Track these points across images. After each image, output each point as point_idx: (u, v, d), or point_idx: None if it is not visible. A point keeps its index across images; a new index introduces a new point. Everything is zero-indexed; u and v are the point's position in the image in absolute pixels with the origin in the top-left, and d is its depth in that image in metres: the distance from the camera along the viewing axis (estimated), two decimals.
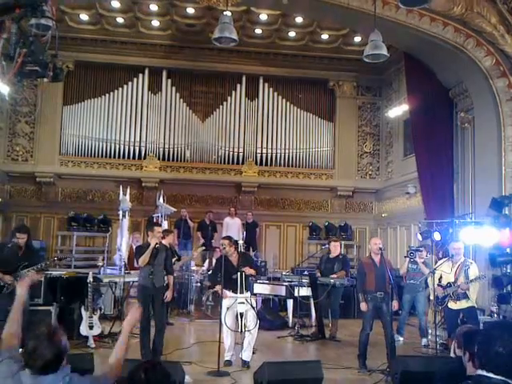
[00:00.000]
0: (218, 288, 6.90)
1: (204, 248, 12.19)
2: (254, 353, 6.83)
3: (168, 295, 6.89)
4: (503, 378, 1.93)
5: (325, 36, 14.20)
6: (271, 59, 14.86)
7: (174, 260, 8.98)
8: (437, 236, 8.65)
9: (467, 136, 10.57)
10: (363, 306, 6.69)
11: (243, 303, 6.71)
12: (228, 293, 6.77)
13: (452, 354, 3.93)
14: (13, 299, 6.04)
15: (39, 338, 2.50)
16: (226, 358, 6.72)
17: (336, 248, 8.84)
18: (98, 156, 14.38)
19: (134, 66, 14.61)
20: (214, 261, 10.74)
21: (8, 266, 6.39)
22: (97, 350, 7.10)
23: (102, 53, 14.34)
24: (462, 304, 6.59)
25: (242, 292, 6.75)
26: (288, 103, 15.23)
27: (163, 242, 8.27)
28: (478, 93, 10.20)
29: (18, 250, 6.50)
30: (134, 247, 10.00)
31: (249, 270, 6.86)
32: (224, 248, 6.91)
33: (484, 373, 1.97)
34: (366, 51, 9.34)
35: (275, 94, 15.19)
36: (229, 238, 7.23)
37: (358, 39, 13.97)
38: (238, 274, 6.79)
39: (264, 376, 5.51)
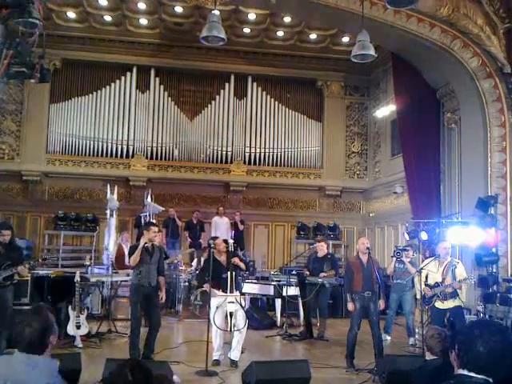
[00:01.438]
0: (206, 287, 6.89)
1: (193, 250, 12.18)
2: (242, 352, 6.84)
3: (162, 296, 6.90)
4: (484, 377, 1.94)
5: (313, 36, 14.25)
6: (260, 58, 14.87)
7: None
8: (424, 236, 8.73)
9: (454, 136, 10.67)
10: (350, 306, 6.73)
11: (233, 302, 6.72)
12: (217, 292, 6.78)
13: (427, 358, 3.97)
14: None
15: (27, 313, 2.66)
16: (215, 358, 6.72)
17: (322, 248, 8.85)
18: (86, 154, 14.29)
19: (121, 64, 14.54)
20: (202, 260, 10.75)
21: None
22: (84, 349, 7.06)
23: (89, 51, 14.25)
24: (449, 304, 6.65)
25: (231, 291, 6.77)
26: (276, 102, 15.25)
27: (156, 241, 8.26)
28: (464, 93, 10.30)
29: (2, 248, 6.41)
30: (125, 247, 9.99)
31: (238, 261, 6.91)
32: (217, 248, 6.92)
33: (465, 372, 1.98)
34: (353, 51, 9.37)
35: (263, 93, 15.21)
36: (225, 241, 7.32)
37: (346, 39, 14.04)
38: (228, 273, 6.82)
39: (252, 375, 5.52)
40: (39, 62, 3.72)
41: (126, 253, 9.39)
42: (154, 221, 11.44)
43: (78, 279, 7.69)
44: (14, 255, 6.46)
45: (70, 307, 7.56)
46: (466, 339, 2.01)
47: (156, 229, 7.06)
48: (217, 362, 6.69)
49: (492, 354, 1.93)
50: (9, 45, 3.51)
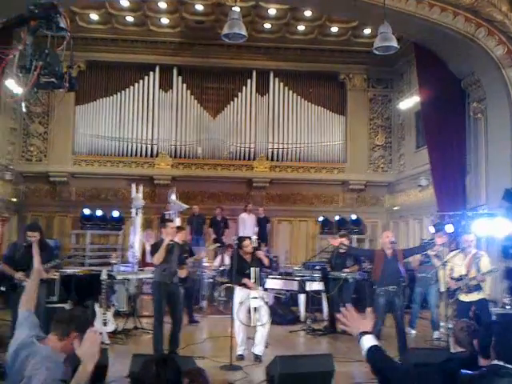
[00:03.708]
0: (244, 281, 6.91)
1: (217, 245, 12.23)
2: (266, 347, 6.88)
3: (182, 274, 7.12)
4: None
5: (334, 29, 14.13)
6: (281, 54, 14.82)
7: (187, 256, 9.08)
8: (449, 228, 8.59)
9: (480, 127, 10.45)
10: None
11: (256, 298, 6.77)
12: (248, 283, 6.83)
13: (452, 350, 3.93)
14: None
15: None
16: (239, 353, 6.78)
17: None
18: (111, 154, 14.50)
19: (144, 64, 14.68)
20: (225, 257, 10.83)
21: (22, 264, 6.48)
22: (111, 345, 7.19)
23: (112, 52, 14.43)
24: (473, 296, 6.55)
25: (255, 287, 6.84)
26: (299, 97, 15.18)
27: (176, 238, 8.35)
28: (490, 82, 10.08)
29: (31, 248, 6.56)
30: (148, 244, 10.13)
31: (262, 255, 6.98)
32: (244, 249, 7.02)
33: (500, 363, 1.98)
34: (375, 43, 9.27)
35: (285, 88, 15.16)
36: (249, 237, 7.45)
37: (367, 31, 13.88)
38: (252, 269, 6.89)
39: (276, 369, 5.55)
40: (68, 72, 3.79)
41: (148, 249, 9.54)
42: (178, 219, 11.56)
43: (105, 277, 7.83)
44: (44, 255, 6.54)
45: (96, 305, 7.70)
46: (502, 331, 2.01)
47: (173, 225, 7.17)
48: (241, 357, 6.74)
49: None
50: (38, 56, 3.59)
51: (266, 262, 7.24)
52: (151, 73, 14.78)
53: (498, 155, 9.77)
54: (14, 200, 13.72)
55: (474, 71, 10.37)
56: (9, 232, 13.15)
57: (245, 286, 6.87)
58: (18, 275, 6.38)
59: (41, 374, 2.58)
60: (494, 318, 6.61)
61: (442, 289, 7.48)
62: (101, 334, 7.45)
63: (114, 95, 14.76)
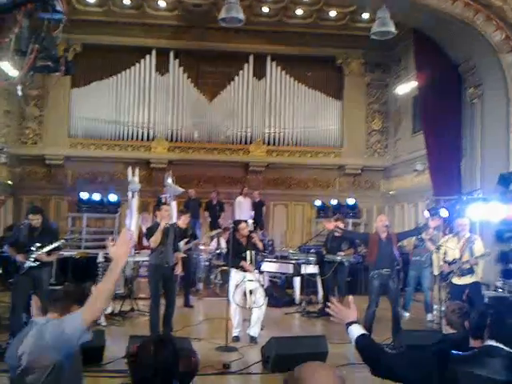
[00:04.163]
0: (242, 263, 6.96)
1: (217, 231, 12.27)
2: (261, 329, 6.96)
3: (178, 270, 7.13)
4: (511, 350, 1.98)
5: (332, 13, 14.04)
6: (278, 37, 14.71)
7: (188, 240, 9.16)
8: (444, 213, 8.64)
9: (476, 112, 10.49)
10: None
11: (252, 280, 6.84)
12: (244, 265, 6.89)
13: (444, 332, 4.00)
14: (31, 281, 6.19)
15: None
16: (234, 334, 6.86)
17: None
18: (107, 138, 14.47)
19: (141, 47, 14.56)
20: (221, 240, 10.88)
21: (22, 246, 6.49)
22: (108, 327, 7.27)
23: (109, 34, 14.27)
24: (467, 279, 6.63)
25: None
26: (296, 82, 15.13)
27: (179, 222, 8.41)
28: (487, 68, 10.09)
29: (34, 231, 6.55)
30: (144, 227, 10.16)
31: (257, 240, 7.12)
32: (241, 232, 7.06)
33: (493, 343, 2.03)
34: (373, 28, 9.27)
35: (283, 72, 15.09)
36: (245, 221, 7.50)
37: (366, 16, 13.80)
38: (247, 252, 6.94)
39: (271, 350, 5.64)
40: (64, 55, 3.78)
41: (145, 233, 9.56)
42: (175, 202, 11.57)
43: (102, 260, 7.88)
44: (48, 238, 6.51)
45: (93, 287, 7.73)
46: (500, 312, 2.06)
47: (167, 207, 7.20)
48: (236, 339, 6.83)
49: None
50: (34, 39, 3.57)
51: (260, 245, 7.30)
52: (148, 56, 14.68)
53: (494, 141, 9.82)
54: (10, 183, 13.70)
55: (471, 57, 10.37)
56: (4, 215, 13.16)
57: (241, 268, 6.93)
58: (20, 257, 6.41)
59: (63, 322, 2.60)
60: (486, 300, 6.71)
61: (436, 272, 7.56)
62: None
63: (110, 78, 14.66)
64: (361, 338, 2.35)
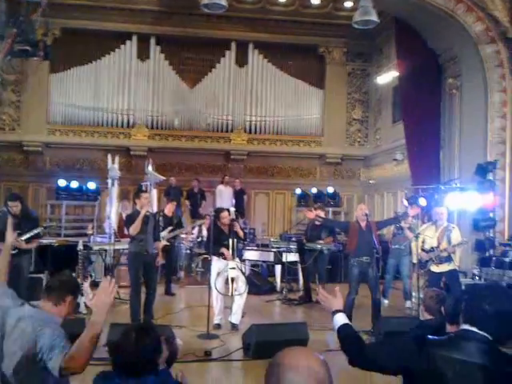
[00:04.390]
0: (222, 251, 6.97)
1: (202, 221, 12.24)
2: (242, 316, 7.01)
3: (159, 259, 7.14)
4: (485, 334, 2.04)
5: (315, 1, 13.98)
6: (261, 25, 14.64)
7: (172, 229, 9.13)
8: (422, 202, 8.78)
9: (454, 102, 10.60)
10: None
11: (234, 268, 6.87)
12: (225, 252, 6.91)
13: (421, 318, 4.09)
14: (10, 268, 6.11)
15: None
16: (216, 322, 6.89)
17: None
18: (86, 124, 14.27)
19: (121, 32, 14.34)
20: (203, 228, 10.88)
21: (0, 233, 6.38)
22: (88, 315, 7.21)
23: (89, 19, 13.98)
24: (444, 267, 6.76)
25: (232, 258, 6.92)
26: (277, 70, 15.09)
27: (165, 211, 8.36)
28: (466, 59, 10.19)
29: (14, 219, 6.46)
30: (124, 215, 10.10)
31: (238, 228, 7.09)
32: (222, 221, 7.06)
33: (467, 327, 2.08)
34: (355, 17, 9.26)
35: (265, 60, 15.02)
36: (227, 209, 7.45)
37: (348, 4, 13.76)
38: (230, 240, 6.96)
39: (252, 337, 5.68)
40: (43, 40, 3.69)
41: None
42: (155, 190, 11.53)
43: (81, 248, 7.81)
44: (27, 225, 6.44)
45: (73, 275, 7.69)
46: (473, 297, 2.11)
47: (147, 195, 7.17)
48: (218, 326, 6.87)
49: (497, 314, 2.03)
50: (12, 23, 3.49)
51: (241, 234, 7.31)
52: (128, 42, 14.48)
53: (472, 131, 9.96)
54: None
55: (451, 47, 10.47)
56: None
57: (222, 256, 6.95)
58: None
59: (48, 329, 2.59)
60: (463, 288, 6.85)
61: (414, 260, 7.69)
62: (78, 304, 7.50)
63: (90, 64, 14.42)
64: (343, 327, 2.38)
